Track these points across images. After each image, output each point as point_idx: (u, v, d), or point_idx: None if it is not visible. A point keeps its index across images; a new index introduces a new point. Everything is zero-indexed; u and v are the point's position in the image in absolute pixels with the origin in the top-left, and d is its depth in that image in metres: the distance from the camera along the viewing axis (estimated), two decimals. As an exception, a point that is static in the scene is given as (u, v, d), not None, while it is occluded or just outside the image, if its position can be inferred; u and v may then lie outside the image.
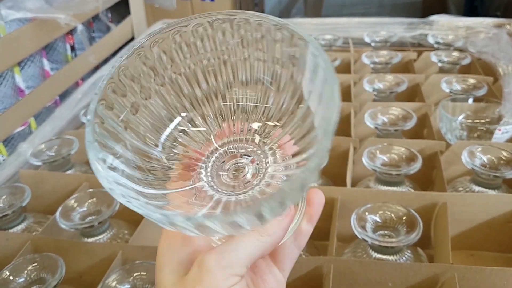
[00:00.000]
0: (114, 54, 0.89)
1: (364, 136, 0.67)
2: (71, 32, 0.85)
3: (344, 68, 0.87)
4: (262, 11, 1.78)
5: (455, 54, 0.87)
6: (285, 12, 1.89)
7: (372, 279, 0.46)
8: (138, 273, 0.46)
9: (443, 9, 1.74)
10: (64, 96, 0.80)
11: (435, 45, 0.93)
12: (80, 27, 0.73)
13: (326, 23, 1.03)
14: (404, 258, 0.50)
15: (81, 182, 0.59)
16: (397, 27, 0.98)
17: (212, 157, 0.26)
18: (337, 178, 0.60)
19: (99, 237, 0.54)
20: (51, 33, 0.73)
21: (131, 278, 0.46)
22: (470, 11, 1.74)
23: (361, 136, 0.67)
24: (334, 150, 0.64)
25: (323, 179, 0.62)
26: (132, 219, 0.56)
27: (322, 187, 0.58)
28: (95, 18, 0.93)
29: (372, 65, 0.86)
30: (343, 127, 0.68)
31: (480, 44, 0.89)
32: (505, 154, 0.58)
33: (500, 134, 0.64)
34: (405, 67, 0.90)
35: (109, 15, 1.00)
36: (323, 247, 0.54)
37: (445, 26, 0.98)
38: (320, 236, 0.53)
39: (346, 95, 0.77)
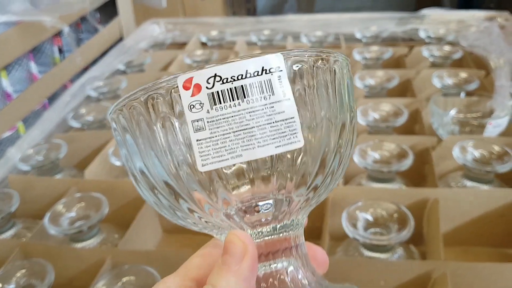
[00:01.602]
0: (103, 55, 0.88)
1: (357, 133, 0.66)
2: (59, 34, 0.84)
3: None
4: (254, 8, 1.78)
5: (447, 48, 0.87)
6: (277, 8, 1.88)
7: (364, 278, 0.46)
8: (127, 278, 0.46)
9: (437, 2, 1.74)
10: (52, 99, 0.79)
11: (427, 40, 0.93)
12: (66, 29, 0.72)
13: (317, 19, 1.03)
14: (396, 255, 0.49)
15: (69, 187, 0.58)
16: (388, 22, 0.97)
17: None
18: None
19: (88, 241, 0.54)
20: (38, 36, 0.73)
21: (120, 282, 0.46)
22: (465, 2, 1.74)
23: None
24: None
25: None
26: (121, 223, 0.55)
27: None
28: (83, 19, 0.92)
29: (363, 61, 0.86)
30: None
31: (472, 38, 0.88)
32: (496, 148, 0.58)
33: (491, 128, 0.64)
34: (396, 62, 0.89)
35: (98, 16, 0.99)
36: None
37: (436, 20, 0.98)
38: (313, 235, 0.53)
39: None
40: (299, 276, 0.25)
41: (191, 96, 0.22)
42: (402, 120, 0.65)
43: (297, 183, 0.24)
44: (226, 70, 0.22)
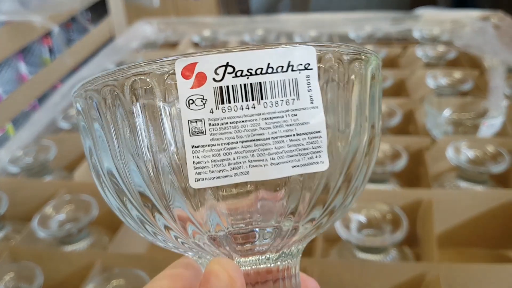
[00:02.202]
0: (93, 55, 0.88)
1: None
2: (49, 34, 0.83)
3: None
4: (248, 7, 1.77)
5: (441, 48, 0.86)
6: (271, 7, 1.88)
7: (357, 280, 0.45)
8: (117, 281, 0.46)
9: (432, 1, 1.74)
10: (42, 100, 0.78)
11: (421, 40, 0.92)
12: (56, 29, 0.71)
13: (311, 19, 1.02)
14: (389, 257, 0.49)
15: (59, 189, 0.58)
16: (382, 22, 0.97)
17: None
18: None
19: (78, 244, 0.53)
20: (27, 36, 0.72)
21: (110, 286, 0.45)
22: (459, 1, 1.74)
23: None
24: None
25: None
26: (111, 225, 0.55)
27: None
28: (74, 19, 0.91)
29: (357, 61, 0.85)
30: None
31: (466, 38, 0.88)
32: (490, 148, 0.57)
33: (485, 129, 0.64)
34: (390, 63, 0.89)
35: (89, 15, 0.98)
36: (308, 249, 0.53)
37: (431, 20, 0.98)
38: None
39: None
40: None
41: (192, 88, 0.17)
42: (396, 120, 0.65)
43: (312, 205, 0.19)
44: (242, 59, 0.17)
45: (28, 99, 0.75)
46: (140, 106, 0.18)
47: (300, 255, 0.22)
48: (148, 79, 0.17)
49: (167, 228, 0.20)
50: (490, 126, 0.63)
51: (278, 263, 0.20)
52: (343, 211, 0.21)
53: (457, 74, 0.76)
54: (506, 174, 0.57)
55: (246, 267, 0.20)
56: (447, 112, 0.68)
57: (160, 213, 0.19)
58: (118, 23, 0.94)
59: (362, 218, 0.50)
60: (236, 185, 0.18)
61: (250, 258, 0.20)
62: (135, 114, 0.18)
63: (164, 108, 0.17)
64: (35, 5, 0.67)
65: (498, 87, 0.69)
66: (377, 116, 0.21)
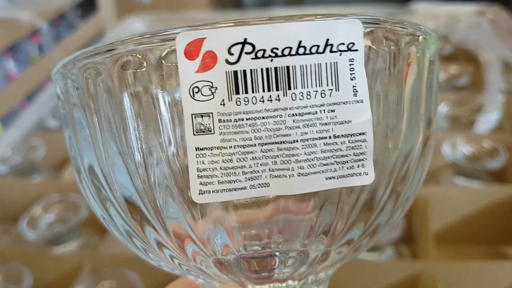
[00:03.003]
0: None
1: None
2: (38, 31, 0.82)
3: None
4: (241, 2, 1.76)
5: (436, 43, 0.85)
6: (265, 1, 1.86)
7: (353, 279, 0.45)
8: (108, 282, 0.45)
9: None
10: (32, 98, 0.77)
11: (416, 35, 0.92)
12: (44, 26, 0.70)
13: (304, 13, 1.01)
14: (385, 255, 0.48)
15: (48, 188, 0.57)
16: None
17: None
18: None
19: (68, 244, 0.52)
20: (15, 33, 0.70)
21: (100, 286, 0.44)
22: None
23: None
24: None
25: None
26: (102, 226, 0.54)
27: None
28: (63, 15, 0.90)
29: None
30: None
31: (461, 33, 0.87)
32: (487, 144, 0.57)
33: (482, 124, 0.63)
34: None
35: (79, 11, 0.97)
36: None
37: (426, 15, 0.97)
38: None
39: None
40: None
41: (197, 71, 0.13)
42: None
43: (351, 222, 0.15)
44: (266, 35, 0.13)
45: (16, 98, 0.74)
46: (130, 94, 0.14)
47: (328, 281, 0.18)
48: (142, 60, 0.14)
49: (160, 245, 0.16)
50: (486, 121, 0.63)
51: None
52: (389, 228, 0.17)
53: (453, 69, 0.75)
54: (503, 169, 0.56)
55: None
56: (442, 108, 0.68)
57: (151, 225, 0.15)
58: (108, 19, 0.93)
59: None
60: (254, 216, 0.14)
61: (266, 285, 0.16)
62: (124, 104, 0.14)
63: (162, 97, 0.14)
64: (23, 1, 0.66)
65: (494, 82, 0.68)
66: (434, 110, 0.17)
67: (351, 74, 0.14)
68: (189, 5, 1.24)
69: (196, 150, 0.13)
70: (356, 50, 0.13)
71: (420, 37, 0.16)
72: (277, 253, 0.15)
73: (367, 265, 0.46)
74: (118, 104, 0.14)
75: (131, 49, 0.14)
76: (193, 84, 0.13)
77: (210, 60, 0.13)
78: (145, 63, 0.14)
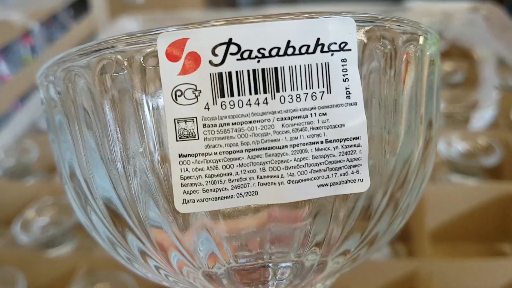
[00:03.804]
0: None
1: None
2: (30, 32, 0.82)
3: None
4: (235, 0, 1.75)
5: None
6: (259, 0, 1.86)
7: (349, 278, 0.44)
8: (102, 284, 0.45)
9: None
10: (25, 100, 0.77)
11: (410, 32, 0.92)
12: (36, 27, 0.69)
13: (298, 12, 1.01)
14: (381, 254, 0.48)
15: (41, 191, 0.56)
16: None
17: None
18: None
19: (62, 247, 0.52)
20: (6, 34, 0.70)
21: (95, 289, 0.44)
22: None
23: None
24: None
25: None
26: (97, 227, 0.53)
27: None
28: (55, 16, 0.89)
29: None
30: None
31: (456, 30, 0.87)
32: (482, 141, 0.57)
33: (477, 121, 0.63)
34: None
35: (72, 12, 0.96)
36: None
37: (420, 12, 0.97)
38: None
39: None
40: None
41: (180, 73, 0.12)
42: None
43: (346, 232, 0.14)
44: (252, 34, 0.12)
45: (9, 100, 0.73)
46: (110, 99, 0.13)
47: None
48: (122, 62, 0.13)
49: (143, 254, 0.15)
50: (481, 118, 0.63)
51: None
52: (387, 237, 0.16)
53: (447, 66, 0.75)
54: (499, 166, 0.56)
55: None
56: (437, 105, 0.68)
57: (134, 233, 0.15)
58: (101, 20, 0.92)
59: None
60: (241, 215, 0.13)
61: None
62: (105, 109, 0.14)
63: (146, 101, 0.13)
64: (14, 2, 0.65)
65: (489, 79, 0.68)
66: (435, 113, 0.16)
67: (343, 75, 0.13)
68: (182, 5, 1.24)
69: (179, 157, 0.13)
70: (349, 50, 0.13)
71: (420, 36, 0.15)
72: (270, 264, 0.14)
73: (363, 264, 0.46)
74: (99, 108, 0.14)
75: (111, 51, 0.13)
76: (175, 87, 0.12)
77: (193, 62, 0.12)
78: (125, 65, 0.13)
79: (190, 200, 0.13)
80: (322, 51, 0.12)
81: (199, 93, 0.12)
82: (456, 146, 0.57)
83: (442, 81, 0.72)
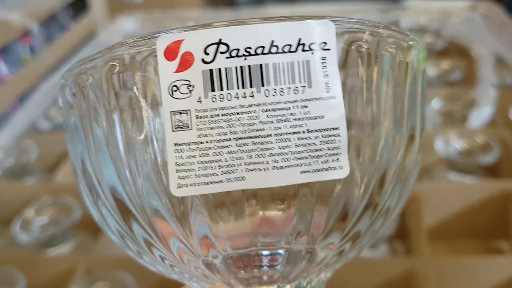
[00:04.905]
0: (75, 53, 0.86)
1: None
2: (29, 32, 0.82)
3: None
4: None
5: (428, 39, 0.85)
6: (258, -1, 1.85)
7: (347, 276, 0.45)
8: (101, 283, 0.45)
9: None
10: (24, 100, 0.77)
11: (408, 30, 0.92)
12: (35, 27, 0.69)
13: (298, 12, 1.01)
14: (379, 252, 0.48)
15: (41, 191, 0.57)
16: (370, 13, 0.96)
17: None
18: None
19: (61, 246, 0.52)
20: (5, 34, 0.70)
21: (94, 288, 0.44)
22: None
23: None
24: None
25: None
26: (97, 227, 0.53)
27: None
28: (54, 16, 0.89)
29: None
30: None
31: (454, 28, 0.87)
32: (480, 139, 0.57)
33: (475, 119, 0.63)
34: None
35: (71, 12, 0.96)
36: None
37: (418, 11, 0.97)
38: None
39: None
40: None
41: (176, 71, 0.14)
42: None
43: (330, 226, 0.15)
44: (239, 36, 0.14)
45: (8, 100, 0.73)
46: (115, 94, 0.15)
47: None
48: (126, 63, 0.15)
49: (148, 244, 0.16)
50: (479, 116, 0.63)
51: None
52: (372, 236, 0.17)
53: (445, 65, 0.76)
54: (496, 164, 0.56)
55: None
56: (435, 103, 0.68)
57: (137, 222, 0.16)
58: (100, 19, 0.93)
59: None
60: (233, 206, 0.15)
61: None
62: (111, 104, 0.15)
63: (145, 97, 0.15)
64: (13, 2, 0.65)
65: (487, 77, 0.69)
66: (420, 121, 0.17)
67: (323, 71, 0.14)
68: (181, 4, 1.24)
69: (175, 145, 0.14)
70: (328, 50, 0.14)
71: (403, 43, 0.16)
72: (263, 252, 0.16)
73: (361, 262, 0.46)
74: (106, 104, 0.15)
75: (116, 54, 0.15)
76: (172, 83, 0.14)
77: (188, 60, 0.14)
78: (129, 66, 0.15)
79: (184, 184, 0.14)
80: (303, 50, 0.14)
81: (192, 88, 0.14)
82: (454, 144, 0.57)
83: (440, 79, 0.72)
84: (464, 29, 0.84)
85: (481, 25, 0.84)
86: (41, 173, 0.64)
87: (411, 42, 0.16)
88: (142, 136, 0.15)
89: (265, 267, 0.16)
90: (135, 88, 0.15)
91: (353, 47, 0.15)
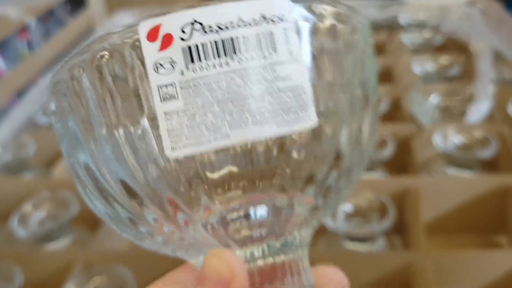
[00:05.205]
0: (72, 48, 0.86)
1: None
2: (27, 27, 0.81)
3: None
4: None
5: (427, 34, 0.85)
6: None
7: (345, 270, 0.44)
8: (99, 278, 0.45)
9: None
10: (21, 95, 0.77)
11: (407, 26, 0.92)
12: (32, 22, 0.69)
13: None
14: (377, 246, 0.48)
15: (39, 186, 0.56)
16: (368, 9, 0.96)
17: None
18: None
19: (59, 241, 0.52)
20: (3, 29, 0.70)
21: (92, 283, 0.44)
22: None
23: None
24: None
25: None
26: (94, 222, 0.53)
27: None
28: (52, 12, 0.89)
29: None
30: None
31: (452, 24, 0.87)
32: (477, 134, 0.57)
33: (473, 114, 0.63)
34: (377, 50, 0.88)
35: (68, 7, 0.96)
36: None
37: (417, 7, 0.97)
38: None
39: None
40: None
41: (159, 50, 0.16)
42: (382, 107, 0.64)
43: (303, 182, 0.18)
44: (210, 15, 0.16)
45: (6, 95, 0.73)
46: (109, 76, 0.17)
47: (307, 249, 0.20)
48: (114, 50, 0.16)
49: (157, 222, 0.18)
50: (477, 111, 0.63)
51: (282, 256, 0.18)
52: (338, 195, 0.19)
53: (444, 60, 0.75)
54: (494, 159, 0.56)
55: (248, 264, 0.18)
56: (434, 98, 0.68)
57: (146, 205, 0.18)
58: (98, 15, 0.92)
59: (349, 207, 0.49)
60: (227, 184, 0.17)
61: (250, 249, 0.18)
62: (108, 85, 0.17)
63: (133, 77, 0.16)
64: (10, -3, 0.65)
65: (485, 72, 0.68)
66: (371, 83, 0.19)
67: (285, 39, 0.16)
68: None
69: (164, 115, 0.16)
70: (287, 21, 0.16)
71: (354, 17, 0.18)
72: (250, 209, 0.18)
73: (359, 256, 0.46)
74: (100, 94, 0.17)
75: (105, 43, 0.17)
76: (155, 61, 0.16)
77: (168, 40, 0.16)
78: (117, 52, 0.16)
79: (177, 147, 0.16)
80: (266, 23, 0.16)
81: (175, 64, 0.16)
82: (452, 139, 0.57)
83: (439, 74, 0.72)
84: (463, 24, 0.84)
85: (480, 20, 0.84)
86: (39, 168, 0.64)
87: (360, 20, 0.19)
88: (141, 112, 0.16)
89: (253, 217, 0.18)
90: (123, 69, 0.16)
91: (309, 22, 0.17)
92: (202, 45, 0.16)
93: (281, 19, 0.16)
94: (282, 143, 0.17)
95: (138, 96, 0.16)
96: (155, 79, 0.16)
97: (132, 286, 0.43)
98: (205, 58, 0.16)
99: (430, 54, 0.80)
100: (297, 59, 0.16)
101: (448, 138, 0.57)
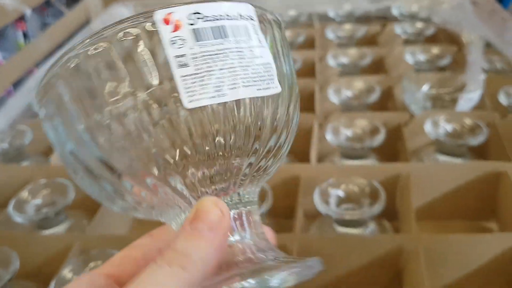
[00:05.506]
0: (69, 39, 0.86)
1: (330, 112, 0.66)
2: (23, 18, 0.81)
3: (309, 44, 0.86)
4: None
5: (419, 25, 0.86)
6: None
7: (337, 254, 0.45)
8: (95, 263, 0.45)
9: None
10: (18, 85, 0.77)
11: (399, 17, 0.92)
12: (28, 12, 0.70)
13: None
14: (368, 230, 0.49)
15: (35, 174, 0.57)
16: (361, 1, 0.97)
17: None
18: (303, 155, 0.59)
19: (56, 228, 0.52)
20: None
21: (88, 268, 0.44)
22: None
23: (327, 112, 0.66)
24: (298, 127, 0.63)
25: (288, 158, 0.61)
26: (90, 208, 0.54)
27: (285, 165, 0.57)
28: (49, 2, 0.89)
29: (336, 40, 0.85)
30: (308, 104, 0.67)
31: (444, 14, 0.88)
32: (468, 121, 0.58)
33: (463, 103, 0.64)
34: (370, 41, 0.89)
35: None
36: (289, 225, 0.53)
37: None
38: (286, 215, 0.53)
39: (310, 71, 0.75)
40: (256, 249, 0.24)
41: (173, 31, 0.21)
42: (374, 97, 0.65)
43: (252, 140, 0.23)
44: (207, 8, 0.22)
45: (3, 85, 0.73)
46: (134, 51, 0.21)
47: (257, 206, 0.25)
48: (135, 33, 0.21)
49: (132, 187, 0.23)
50: (468, 100, 0.64)
51: (242, 208, 0.24)
52: (275, 159, 0.25)
53: (436, 50, 0.76)
54: (484, 146, 0.57)
55: None
56: (425, 88, 0.68)
57: (123, 176, 0.22)
58: (94, 6, 0.92)
59: (341, 192, 0.50)
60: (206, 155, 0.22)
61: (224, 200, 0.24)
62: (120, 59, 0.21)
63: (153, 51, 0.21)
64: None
65: (476, 62, 0.69)
66: (290, 69, 0.25)
67: (254, 31, 0.23)
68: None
69: (181, 77, 0.21)
70: (253, 20, 0.23)
71: (270, 18, 0.25)
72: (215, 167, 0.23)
73: (351, 239, 0.47)
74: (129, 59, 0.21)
75: (126, 25, 0.21)
76: (171, 38, 0.21)
77: (178, 25, 0.21)
78: (138, 34, 0.21)
79: (193, 100, 0.21)
80: (242, 19, 0.23)
81: (185, 41, 0.21)
82: (443, 126, 0.58)
83: (430, 64, 0.72)
84: (454, 15, 0.85)
85: (471, 11, 0.84)
86: (36, 157, 0.65)
87: (274, 18, 0.25)
88: (151, 77, 0.21)
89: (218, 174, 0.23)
90: (144, 48, 0.21)
91: (262, 20, 0.24)
92: (205, 29, 0.21)
93: (251, 18, 0.23)
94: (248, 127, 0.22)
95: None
96: (171, 52, 0.21)
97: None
98: (207, 38, 0.21)
99: (422, 45, 0.81)
100: (263, 45, 0.23)
101: (440, 126, 0.57)
